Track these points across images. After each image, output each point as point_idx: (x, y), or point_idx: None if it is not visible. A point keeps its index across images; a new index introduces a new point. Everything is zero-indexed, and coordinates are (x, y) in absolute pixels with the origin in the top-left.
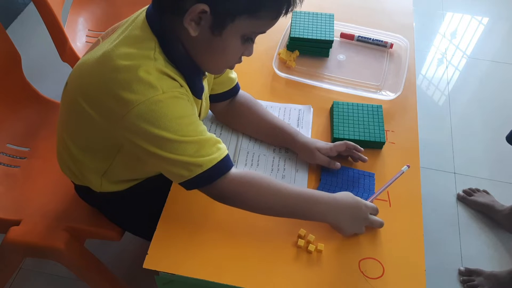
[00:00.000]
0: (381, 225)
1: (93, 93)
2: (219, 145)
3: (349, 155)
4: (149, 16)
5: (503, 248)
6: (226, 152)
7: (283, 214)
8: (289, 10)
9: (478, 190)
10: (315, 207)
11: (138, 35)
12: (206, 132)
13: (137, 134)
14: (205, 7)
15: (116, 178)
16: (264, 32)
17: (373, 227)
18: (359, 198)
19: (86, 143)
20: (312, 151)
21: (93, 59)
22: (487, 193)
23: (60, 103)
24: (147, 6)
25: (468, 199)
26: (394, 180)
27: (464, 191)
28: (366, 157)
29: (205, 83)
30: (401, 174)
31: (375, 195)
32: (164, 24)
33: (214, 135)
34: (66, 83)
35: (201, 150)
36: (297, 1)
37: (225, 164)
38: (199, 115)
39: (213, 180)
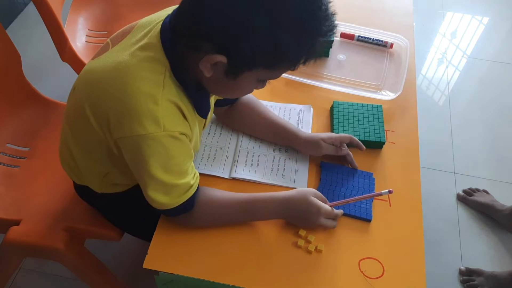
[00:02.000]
0: (333, 227)
1: (99, 105)
2: (187, 193)
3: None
4: (164, 35)
5: (503, 248)
6: (189, 195)
7: (238, 222)
8: (307, 62)
9: (478, 190)
10: (267, 206)
11: (151, 56)
12: (186, 175)
13: (125, 152)
14: (223, 59)
15: (117, 181)
16: (278, 77)
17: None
18: (314, 202)
19: (88, 148)
20: (317, 142)
21: (103, 69)
22: (487, 193)
23: (67, 103)
24: (161, 14)
25: (468, 199)
26: (367, 197)
27: (464, 191)
28: (363, 147)
29: (212, 99)
30: (378, 195)
31: (336, 202)
32: (179, 50)
33: (191, 179)
34: (74, 87)
35: (169, 193)
36: (315, 56)
37: (185, 206)
38: (204, 125)
39: (175, 215)
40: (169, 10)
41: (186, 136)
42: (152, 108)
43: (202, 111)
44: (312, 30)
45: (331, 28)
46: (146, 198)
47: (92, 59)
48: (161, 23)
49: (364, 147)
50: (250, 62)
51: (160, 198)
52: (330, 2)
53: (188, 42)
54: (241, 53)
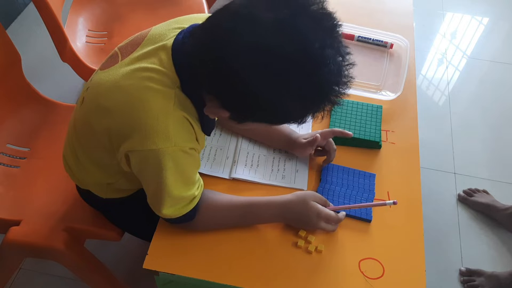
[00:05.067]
0: (333, 230)
1: (108, 120)
2: (191, 204)
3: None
4: (176, 55)
5: (504, 248)
6: (192, 206)
7: (239, 226)
8: (313, 118)
9: (478, 191)
10: (267, 211)
11: (161, 71)
12: (193, 185)
13: (134, 164)
14: (227, 114)
15: (122, 187)
16: None
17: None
18: (313, 206)
19: (96, 158)
20: (294, 141)
21: (113, 84)
22: (487, 193)
23: (74, 113)
24: (171, 27)
25: (469, 200)
26: (370, 205)
27: (464, 192)
28: (350, 133)
29: None
30: (382, 205)
31: (338, 207)
32: (190, 78)
33: (196, 190)
34: (83, 98)
35: (174, 205)
36: (320, 115)
37: (187, 216)
38: None
39: (177, 223)
40: (182, 22)
41: (195, 150)
42: (162, 123)
43: (207, 129)
44: (320, 100)
45: (345, 89)
46: (151, 208)
47: (101, 69)
48: (172, 39)
49: (351, 133)
50: (253, 120)
51: (164, 210)
52: (348, 62)
53: (199, 87)
54: (245, 114)
